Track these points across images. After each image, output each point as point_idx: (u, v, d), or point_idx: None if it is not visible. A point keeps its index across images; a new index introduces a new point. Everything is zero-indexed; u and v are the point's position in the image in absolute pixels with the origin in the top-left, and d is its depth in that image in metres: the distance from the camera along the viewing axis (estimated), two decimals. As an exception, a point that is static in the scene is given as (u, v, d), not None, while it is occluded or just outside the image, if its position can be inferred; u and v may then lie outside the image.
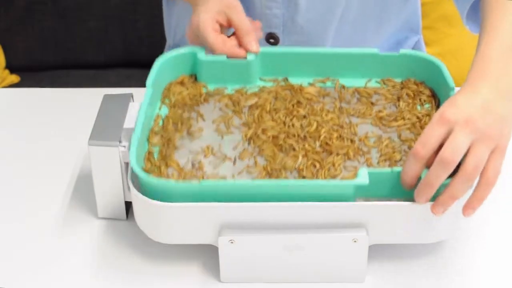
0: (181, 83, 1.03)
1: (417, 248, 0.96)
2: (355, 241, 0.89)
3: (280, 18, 1.16)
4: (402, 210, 0.89)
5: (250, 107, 1.00)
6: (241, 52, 1.01)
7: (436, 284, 0.93)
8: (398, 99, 1.01)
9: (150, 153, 0.93)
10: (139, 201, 0.91)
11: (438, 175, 0.83)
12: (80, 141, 1.04)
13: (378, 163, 0.93)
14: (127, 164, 0.95)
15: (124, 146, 0.95)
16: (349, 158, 0.93)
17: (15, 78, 1.90)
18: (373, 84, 1.04)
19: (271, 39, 1.18)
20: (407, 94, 1.02)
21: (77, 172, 1.08)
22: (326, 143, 0.94)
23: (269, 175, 0.91)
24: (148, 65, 1.01)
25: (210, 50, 1.02)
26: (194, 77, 1.04)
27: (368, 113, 0.99)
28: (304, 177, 0.90)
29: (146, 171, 0.90)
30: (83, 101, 1.20)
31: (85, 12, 1.90)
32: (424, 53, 1.03)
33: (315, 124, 0.97)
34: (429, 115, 0.98)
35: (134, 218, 0.95)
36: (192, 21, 1.02)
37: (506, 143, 0.85)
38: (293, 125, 0.97)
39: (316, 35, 1.17)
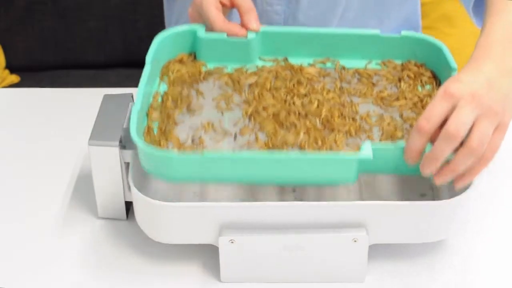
0: (180, 61, 1.02)
1: (417, 248, 0.96)
2: (355, 241, 0.89)
3: (281, 15, 1.16)
4: (402, 210, 0.89)
5: (250, 85, 0.99)
6: (241, 30, 1.00)
7: (436, 284, 0.93)
8: (399, 80, 1.00)
9: (149, 128, 0.92)
10: (140, 201, 0.91)
11: (443, 149, 0.82)
12: (80, 141, 1.04)
13: (380, 140, 0.92)
14: (127, 164, 0.95)
15: (125, 146, 0.95)
16: (351, 136, 0.92)
17: (15, 78, 1.90)
18: (373, 66, 1.03)
19: None
20: (408, 76, 1.01)
21: (77, 172, 1.08)
22: (328, 121, 0.93)
23: (271, 150, 0.90)
24: (148, 65, 1.01)
25: (210, 27, 1.01)
26: (194, 56, 1.03)
27: (369, 93, 0.98)
28: None
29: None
30: (83, 101, 1.20)
31: (85, 12, 1.90)
32: (426, 35, 1.03)
33: (316, 103, 0.96)
34: (430, 96, 0.97)
35: (134, 218, 0.95)
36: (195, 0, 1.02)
37: (509, 120, 0.84)
38: (294, 103, 0.96)
39: None
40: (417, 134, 0.83)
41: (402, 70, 1.02)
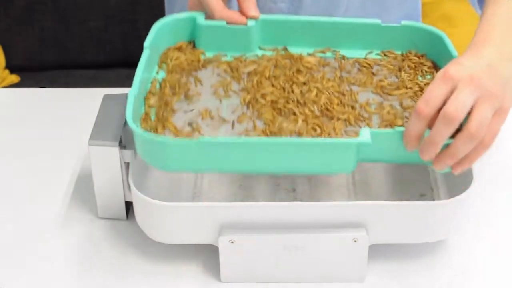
0: (179, 48, 1.01)
1: (417, 248, 0.96)
2: (355, 241, 0.89)
3: (284, 12, 1.16)
4: (402, 210, 0.89)
5: (249, 73, 0.98)
6: (241, 18, 0.99)
7: (436, 284, 0.93)
8: (399, 70, 1.00)
9: (146, 114, 0.91)
10: (140, 201, 0.91)
11: (441, 132, 0.81)
12: (80, 141, 1.04)
13: (379, 128, 0.90)
14: (127, 164, 0.95)
15: (125, 146, 0.95)
16: (350, 124, 0.90)
17: (15, 78, 1.90)
18: (373, 56, 1.02)
19: None
20: (408, 66, 1.00)
21: (77, 172, 1.08)
22: (327, 109, 0.92)
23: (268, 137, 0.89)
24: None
25: (210, 15, 1.00)
26: (193, 44, 1.03)
27: (369, 82, 0.97)
28: None
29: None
30: (83, 101, 1.19)
31: (85, 12, 1.90)
32: (426, 24, 1.02)
33: (315, 91, 0.95)
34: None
35: (134, 218, 0.95)
36: None
37: (509, 105, 0.83)
38: (292, 91, 0.95)
39: None
40: (416, 118, 0.82)
41: (403, 60, 1.01)
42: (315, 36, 1.02)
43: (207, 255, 0.95)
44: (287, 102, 0.93)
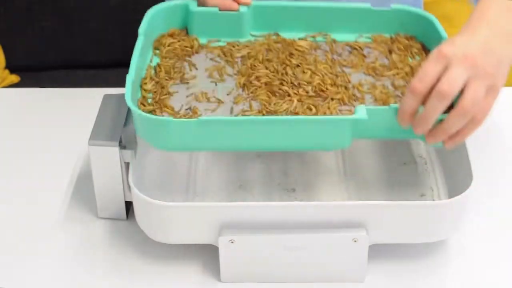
0: (172, 35, 1.02)
1: (417, 248, 0.96)
2: (355, 241, 0.89)
3: None
4: (402, 210, 0.89)
5: (243, 57, 0.99)
6: (233, 4, 1.01)
7: (436, 284, 0.93)
8: (390, 52, 1.01)
9: (144, 98, 0.92)
10: (140, 201, 0.91)
11: (435, 107, 0.82)
12: (80, 141, 1.04)
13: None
14: (127, 164, 0.95)
15: (125, 146, 0.95)
16: (344, 103, 0.92)
17: (15, 78, 1.90)
18: (364, 40, 1.04)
19: None
20: (398, 48, 1.01)
21: (77, 172, 1.08)
22: (320, 89, 0.94)
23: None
24: (148, 65, 1.01)
25: (202, 1, 1.01)
26: (185, 31, 1.03)
27: (360, 64, 0.99)
28: None
29: None
30: (83, 101, 1.19)
31: (85, 12, 1.89)
32: (417, 8, 1.03)
33: (308, 72, 0.96)
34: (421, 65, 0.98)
35: (134, 218, 0.95)
36: None
37: (502, 83, 0.85)
38: (286, 73, 0.96)
39: None
40: (410, 95, 0.84)
41: (392, 42, 1.02)
42: (307, 20, 1.04)
43: (207, 255, 0.95)
44: (282, 84, 0.94)
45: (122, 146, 0.95)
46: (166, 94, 0.93)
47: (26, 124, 1.19)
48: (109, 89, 1.12)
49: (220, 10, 1.01)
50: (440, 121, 0.84)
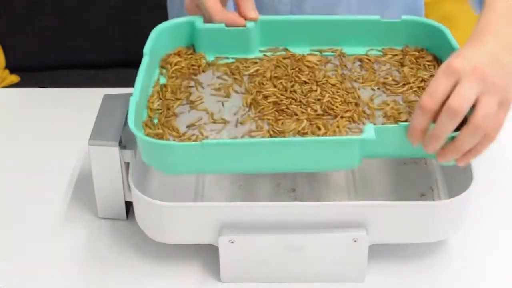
0: (179, 54, 1.01)
1: (417, 248, 0.96)
2: (355, 241, 0.89)
3: (287, 5, 1.15)
4: (402, 210, 0.89)
5: (250, 75, 0.98)
6: (240, 20, 0.99)
7: (436, 284, 0.93)
8: (401, 65, 0.99)
9: (149, 118, 0.91)
10: (140, 201, 0.91)
11: (445, 125, 0.80)
12: (80, 141, 1.04)
13: (383, 124, 0.90)
14: (127, 164, 0.95)
15: (125, 146, 0.95)
16: (354, 121, 0.90)
17: (15, 78, 1.90)
18: (374, 53, 1.02)
19: None
20: (410, 60, 1.00)
21: (77, 172, 1.08)
22: (330, 107, 0.92)
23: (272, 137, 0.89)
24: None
25: (208, 18, 0.99)
26: (192, 49, 1.02)
27: (371, 79, 0.97)
28: None
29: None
30: (83, 101, 1.19)
31: (85, 12, 1.90)
32: (427, 18, 1.02)
33: (318, 90, 0.94)
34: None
35: (134, 218, 0.95)
36: None
37: None
38: (295, 91, 0.94)
39: None
40: (420, 112, 0.82)
41: (404, 55, 1.01)
42: (315, 34, 1.02)
43: (207, 255, 0.95)
44: (290, 103, 0.93)
45: (122, 146, 0.95)
46: (172, 116, 0.92)
47: (26, 124, 1.19)
48: (109, 89, 1.11)
49: (226, 26, 0.99)
50: (452, 138, 0.82)
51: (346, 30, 1.01)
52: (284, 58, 1.00)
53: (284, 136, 0.88)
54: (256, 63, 1.00)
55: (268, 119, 0.91)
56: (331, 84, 0.96)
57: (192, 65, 0.99)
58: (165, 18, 1.32)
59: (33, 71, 1.92)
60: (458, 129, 0.82)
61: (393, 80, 0.97)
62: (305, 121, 0.90)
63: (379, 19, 1.01)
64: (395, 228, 0.90)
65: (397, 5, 1.20)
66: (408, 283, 0.93)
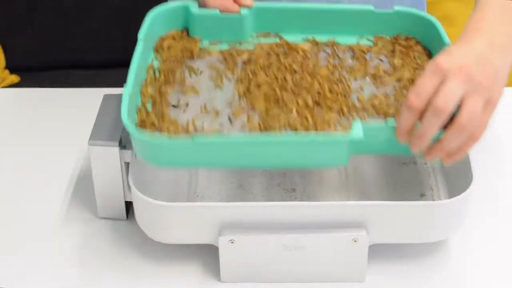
0: (173, 38, 1.01)
1: (417, 248, 0.96)
2: (355, 241, 0.89)
3: None
4: (402, 210, 0.89)
5: (243, 62, 0.98)
6: (234, 6, 1.00)
7: (436, 284, 0.93)
8: (392, 55, 1.00)
9: (143, 105, 0.91)
10: (140, 201, 0.91)
11: (431, 124, 0.81)
12: (80, 141, 1.04)
13: (372, 117, 0.90)
14: (127, 164, 0.95)
15: (125, 146, 0.95)
16: (343, 114, 0.90)
17: (15, 78, 1.90)
18: (366, 42, 1.02)
19: None
20: (400, 51, 1.00)
21: (77, 172, 1.08)
22: (320, 98, 0.92)
23: (263, 131, 0.89)
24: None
25: (203, 4, 1.00)
26: (186, 33, 1.02)
27: (362, 69, 0.97)
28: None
29: (139, 125, 0.88)
30: (83, 101, 1.20)
31: (85, 12, 1.89)
32: (419, 10, 1.03)
33: (308, 79, 0.95)
34: (423, 69, 0.96)
35: (134, 218, 0.95)
36: None
37: (499, 96, 0.83)
38: (286, 80, 0.95)
39: None
40: (406, 111, 0.82)
41: (393, 44, 1.01)
42: (309, 22, 1.02)
43: (207, 255, 0.95)
44: (281, 92, 0.93)
45: (122, 146, 0.95)
46: (165, 103, 0.92)
47: (26, 124, 1.19)
48: (109, 89, 1.12)
49: (220, 12, 1.00)
50: (438, 138, 0.83)
51: (339, 19, 1.02)
52: (277, 46, 1.01)
53: (274, 129, 0.88)
54: (249, 50, 1.00)
55: (259, 110, 0.91)
56: (322, 74, 0.96)
57: (186, 50, 0.99)
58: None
59: (33, 71, 1.92)
60: (445, 127, 0.82)
61: (384, 71, 0.97)
62: (294, 112, 0.90)
63: (372, 9, 1.02)
64: (395, 228, 0.90)
65: (400, 4, 1.19)
66: (408, 283, 0.93)
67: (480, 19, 0.87)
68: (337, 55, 1.00)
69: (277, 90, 0.93)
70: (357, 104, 0.92)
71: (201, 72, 0.97)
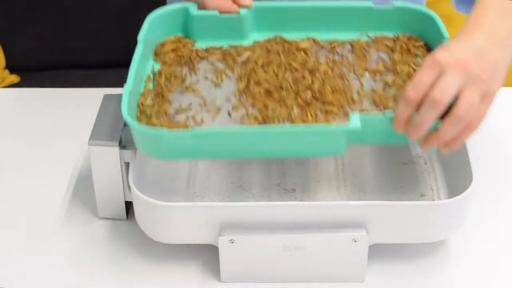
0: (173, 41, 1.01)
1: (417, 248, 0.96)
2: (355, 241, 0.89)
3: None
4: (402, 210, 0.89)
5: (243, 61, 0.99)
6: (233, 7, 1.00)
7: (436, 284, 0.93)
8: (392, 52, 1.00)
9: (143, 105, 0.92)
10: (140, 201, 0.91)
11: (428, 115, 0.82)
12: (80, 141, 1.04)
13: (371, 109, 0.91)
14: (127, 164, 0.95)
15: (125, 146, 0.95)
16: (342, 108, 0.91)
17: (15, 78, 1.90)
18: (366, 39, 1.03)
19: None
20: (401, 47, 1.01)
21: (77, 172, 1.08)
22: (320, 95, 0.93)
23: (262, 125, 0.90)
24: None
25: (202, 5, 1.00)
26: (186, 35, 1.03)
27: (361, 65, 0.98)
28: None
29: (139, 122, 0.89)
30: (83, 101, 1.20)
31: (85, 12, 1.89)
32: (419, 5, 1.03)
33: (308, 77, 0.95)
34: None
35: (134, 218, 0.95)
36: None
37: (497, 89, 0.84)
38: (285, 77, 0.95)
39: None
40: (404, 103, 0.83)
41: (394, 42, 1.02)
42: (308, 20, 1.03)
43: (207, 255, 0.95)
44: (281, 89, 0.94)
45: (122, 146, 0.95)
46: (165, 102, 0.92)
47: (26, 124, 1.19)
48: (109, 89, 1.12)
49: (220, 13, 1.00)
50: (435, 127, 0.84)
51: (339, 16, 1.03)
52: (277, 44, 1.01)
53: (273, 122, 0.89)
54: (248, 49, 1.00)
55: (259, 107, 0.91)
56: (322, 71, 0.96)
57: (186, 52, 1.00)
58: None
59: (33, 71, 1.92)
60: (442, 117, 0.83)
61: (383, 66, 0.98)
62: (294, 108, 0.91)
63: (371, 5, 1.02)
64: (395, 228, 0.90)
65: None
66: (408, 283, 0.93)
67: (480, 16, 0.88)
68: (337, 52, 1.00)
69: (277, 87, 0.94)
70: (357, 98, 0.92)
71: (201, 72, 0.97)
